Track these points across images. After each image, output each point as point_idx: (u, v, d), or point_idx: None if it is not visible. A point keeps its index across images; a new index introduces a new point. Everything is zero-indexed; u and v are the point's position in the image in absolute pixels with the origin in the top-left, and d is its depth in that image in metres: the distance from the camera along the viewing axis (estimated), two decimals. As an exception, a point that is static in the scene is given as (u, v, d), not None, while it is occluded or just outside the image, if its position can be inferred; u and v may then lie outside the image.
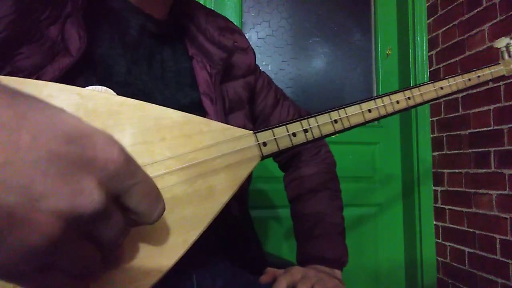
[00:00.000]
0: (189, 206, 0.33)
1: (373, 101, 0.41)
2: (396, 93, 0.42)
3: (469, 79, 0.46)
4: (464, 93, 1.30)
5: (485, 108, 1.20)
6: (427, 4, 1.47)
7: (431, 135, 1.44)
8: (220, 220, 0.38)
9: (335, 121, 0.39)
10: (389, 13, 1.52)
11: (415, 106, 0.43)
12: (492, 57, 1.18)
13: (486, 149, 1.19)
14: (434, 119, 1.44)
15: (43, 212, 0.18)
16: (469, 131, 1.27)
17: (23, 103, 0.19)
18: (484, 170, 1.20)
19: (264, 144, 0.37)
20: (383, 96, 0.42)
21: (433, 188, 1.42)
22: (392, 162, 1.48)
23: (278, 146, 0.37)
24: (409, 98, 0.43)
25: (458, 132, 1.31)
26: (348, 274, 1.36)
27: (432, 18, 1.45)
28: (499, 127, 1.15)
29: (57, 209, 0.18)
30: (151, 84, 0.50)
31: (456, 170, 1.31)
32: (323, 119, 0.39)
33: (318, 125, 0.39)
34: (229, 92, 0.57)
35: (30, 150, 0.18)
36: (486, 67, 0.48)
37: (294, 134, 0.38)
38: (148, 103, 0.35)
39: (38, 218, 0.18)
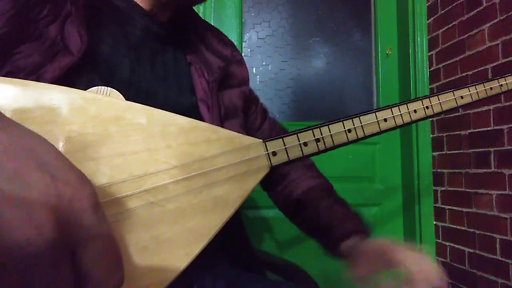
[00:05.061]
0: (193, 218, 0.32)
1: (389, 110, 0.39)
2: (413, 101, 0.40)
3: (491, 88, 0.43)
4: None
5: (485, 108, 1.20)
6: (427, 4, 1.47)
7: (431, 135, 1.44)
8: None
9: (349, 130, 0.37)
10: (389, 13, 1.51)
11: (433, 116, 0.41)
12: (492, 57, 1.18)
13: (486, 149, 1.19)
14: (434, 119, 1.44)
15: None
16: (469, 131, 1.27)
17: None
18: (484, 170, 1.20)
19: (274, 153, 0.36)
20: (400, 105, 0.40)
21: (433, 188, 1.42)
22: (392, 162, 1.47)
23: (288, 156, 0.36)
24: (427, 107, 0.40)
25: (458, 132, 1.31)
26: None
27: (432, 18, 1.44)
28: (499, 127, 1.15)
29: None
30: (154, 84, 0.50)
31: (456, 170, 1.31)
32: (336, 128, 0.37)
33: (330, 134, 0.37)
34: (224, 99, 0.57)
35: None
36: (510, 75, 0.45)
37: (305, 144, 0.36)
38: (154, 108, 0.34)
39: None
